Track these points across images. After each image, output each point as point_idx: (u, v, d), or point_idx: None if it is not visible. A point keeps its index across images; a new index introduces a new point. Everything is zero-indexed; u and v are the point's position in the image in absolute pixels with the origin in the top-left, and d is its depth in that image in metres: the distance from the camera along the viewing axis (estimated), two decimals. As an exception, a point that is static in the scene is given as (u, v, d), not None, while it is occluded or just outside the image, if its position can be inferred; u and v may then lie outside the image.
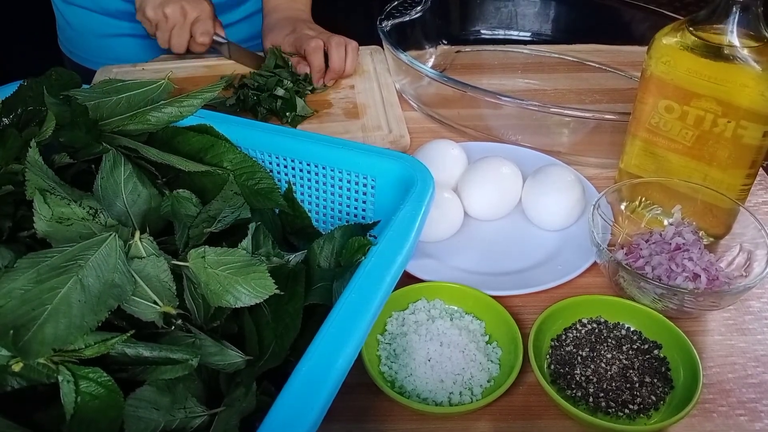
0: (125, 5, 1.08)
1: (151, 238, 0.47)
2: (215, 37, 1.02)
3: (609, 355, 0.59)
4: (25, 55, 1.59)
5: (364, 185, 0.61)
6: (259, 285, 0.46)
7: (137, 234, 0.46)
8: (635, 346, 0.60)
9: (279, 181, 0.63)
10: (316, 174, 0.62)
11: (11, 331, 0.39)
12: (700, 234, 0.68)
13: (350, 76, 1.01)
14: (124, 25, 1.11)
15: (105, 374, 0.42)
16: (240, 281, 0.46)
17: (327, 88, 0.99)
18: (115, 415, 0.41)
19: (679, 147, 0.68)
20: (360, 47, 1.07)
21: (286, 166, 0.63)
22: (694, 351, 0.57)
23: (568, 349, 0.59)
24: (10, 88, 0.59)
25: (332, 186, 0.62)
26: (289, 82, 0.94)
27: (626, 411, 0.55)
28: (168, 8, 0.97)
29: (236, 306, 0.46)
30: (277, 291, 0.47)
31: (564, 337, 0.61)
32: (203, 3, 0.99)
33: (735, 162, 0.66)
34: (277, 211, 0.62)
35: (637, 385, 0.56)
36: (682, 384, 0.56)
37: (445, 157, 0.77)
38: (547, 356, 0.60)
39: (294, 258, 0.54)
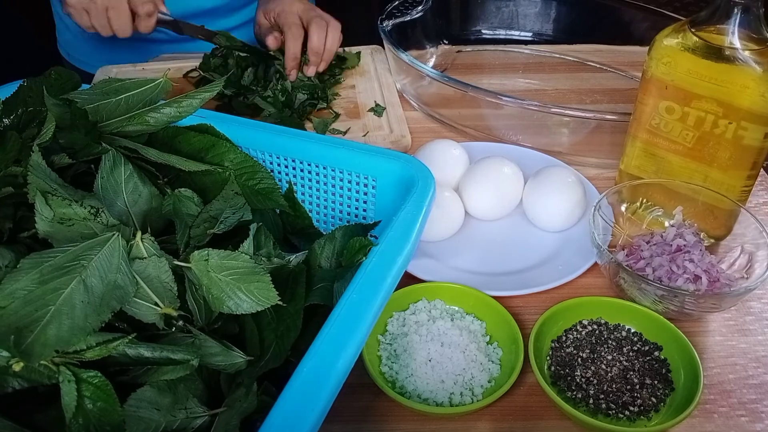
0: None
1: (153, 238, 0.47)
2: (160, 15, 0.93)
3: (609, 357, 0.59)
4: (26, 57, 1.59)
5: (365, 185, 0.61)
6: (262, 294, 0.46)
7: (138, 234, 0.46)
8: (636, 348, 0.60)
9: (280, 181, 0.63)
10: (317, 174, 0.62)
11: (13, 334, 0.39)
12: (701, 235, 0.68)
13: (331, 57, 0.95)
14: None
15: (104, 378, 0.42)
16: (242, 288, 0.46)
17: (304, 82, 0.92)
18: (115, 420, 0.41)
19: (680, 148, 0.68)
20: (361, 47, 1.07)
21: (287, 166, 0.63)
22: (695, 352, 0.57)
23: (568, 350, 0.59)
24: (10, 88, 0.58)
25: (333, 186, 0.62)
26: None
27: (626, 413, 0.55)
28: None
29: (237, 313, 0.46)
30: (280, 302, 0.47)
31: (564, 338, 0.61)
32: None
33: (736, 163, 0.66)
34: (278, 211, 0.62)
35: (637, 386, 0.56)
36: (683, 385, 0.56)
37: (446, 157, 0.77)
38: (548, 357, 0.60)
39: (295, 258, 0.54)
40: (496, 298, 0.62)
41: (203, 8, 1.09)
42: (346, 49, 1.06)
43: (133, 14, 0.91)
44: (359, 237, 0.54)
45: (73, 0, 0.89)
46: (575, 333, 0.61)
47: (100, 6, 0.88)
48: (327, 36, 0.93)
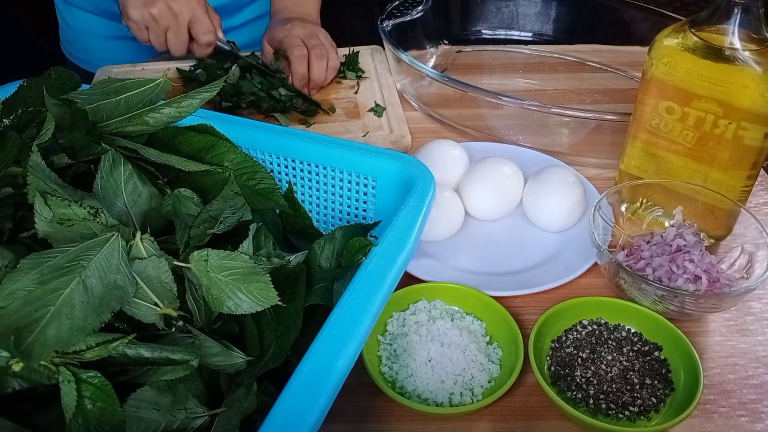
0: None
1: (152, 239, 0.47)
2: (218, 43, 0.96)
3: (609, 357, 0.59)
4: (26, 57, 1.59)
5: (365, 185, 0.61)
6: (262, 294, 0.46)
7: (138, 234, 0.46)
8: (636, 348, 0.60)
9: (280, 181, 0.63)
10: (317, 174, 0.62)
11: (13, 335, 0.39)
12: (701, 235, 0.68)
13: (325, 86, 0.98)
14: (122, 27, 1.11)
15: (104, 378, 0.42)
16: (242, 288, 0.46)
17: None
18: (115, 420, 0.41)
19: (680, 148, 0.68)
20: (360, 47, 1.07)
21: (286, 167, 0.63)
22: (695, 353, 0.57)
23: (568, 350, 0.59)
24: (10, 88, 0.58)
25: (333, 186, 0.62)
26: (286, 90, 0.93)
27: (626, 413, 0.55)
28: (154, 8, 0.90)
29: (237, 313, 0.46)
30: (279, 303, 0.47)
31: (564, 338, 0.61)
32: (191, 0, 0.92)
33: (736, 163, 0.66)
34: (277, 211, 0.62)
35: (637, 386, 0.56)
36: (683, 386, 0.56)
37: (447, 157, 0.77)
38: (548, 357, 0.60)
39: (295, 258, 0.54)
40: (496, 298, 0.62)
41: None
42: (353, 49, 1.05)
43: (191, 36, 0.95)
44: (359, 237, 0.54)
45: (136, 15, 0.91)
46: (575, 333, 0.61)
47: (162, 26, 0.91)
48: (327, 68, 0.96)
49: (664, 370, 0.58)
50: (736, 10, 0.61)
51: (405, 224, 0.51)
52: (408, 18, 0.99)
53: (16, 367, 0.41)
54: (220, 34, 0.98)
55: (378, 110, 0.92)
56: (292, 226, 0.63)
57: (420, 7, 1.02)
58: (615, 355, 0.59)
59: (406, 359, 0.58)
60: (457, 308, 0.64)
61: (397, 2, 1.01)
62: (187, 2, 0.92)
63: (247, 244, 0.50)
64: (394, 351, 0.60)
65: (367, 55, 1.06)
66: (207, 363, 0.47)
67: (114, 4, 1.08)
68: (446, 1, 1.09)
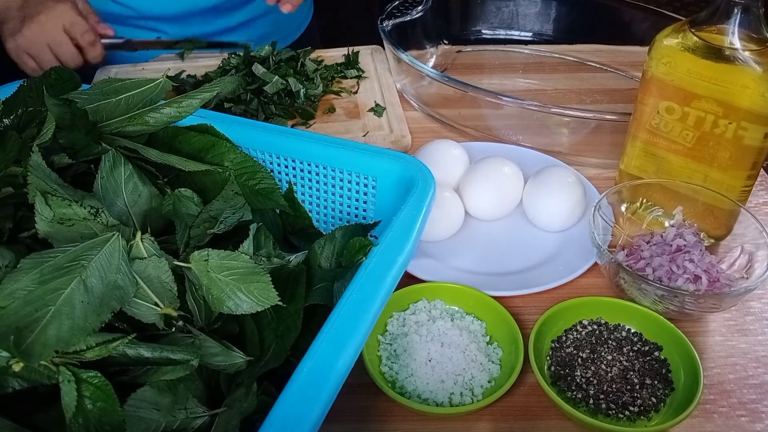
0: (119, 8, 1.08)
1: (152, 239, 0.47)
2: (106, 41, 0.90)
3: (609, 357, 0.59)
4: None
5: (365, 185, 0.61)
6: (262, 295, 0.46)
7: (138, 234, 0.46)
8: (636, 348, 0.60)
9: (280, 181, 0.63)
10: (317, 174, 0.62)
11: (13, 334, 0.39)
12: (701, 235, 0.68)
13: None
14: (122, 27, 1.11)
15: (104, 378, 0.42)
16: (242, 288, 0.46)
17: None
18: (115, 420, 0.41)
19: (680, 148, 0.68)
20: (360, 47, 1.07)
21: (286, 166, 0.63)
22: (695, 353, 0.57)
23: (568, 350, 0.59)
24: (10, 88, 0.58)
25: (333, 186, 0.62)
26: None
27: (626, 413, 0.55)
28: (25, 31, 0.83)
29: (237, 313, 0.46)
30: (279, 303, 0.47)
31: (564, 338, 0.61)
32: (59, 7, 0.84)
33: (736, 163, 0.66)
34: (278, 211, 0.62)
35: (637, 386, 0.56)
36: (683, 386, 0.56)
37: (447, 157, 0.77)
38: (548, 357, 0.60)
39: (295, 258, 0.54)
40: (496, 298, 0.62)
41: (202, 7, 1.09)
42: (353, 49, 1.05)
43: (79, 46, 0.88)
44: (359, 237, 0.54)
45: (11, 45, 0.85)
46: (575, 333, 0.61)
47: (39, 45, 0.85)
48: None
49: (664, 370, 0.58)
50: (736, 10, 0.61)
51: (405, 224, 0.51)
52: (408, 18, 0.99)
53: (16, 367, 0.41)
54: (105, 30, 0.91)
55: (378, 110, 0.92)
56: (292, 226, 0.63)
57: (420, 7, 1.01)
58: (615, 355, 0.59)
59: (406, 359, 0.58)
60: (457, 308, 0.64)
61: (397, 2, 1.01)
62: (54, 9, 0.84)
63: (247, 244, 0.50)
64: (394, 351, 0.60)
65: (367, 55, 1.06)
66: (207, 363, 0.47)
67: (113, 5, 1.08)
68: (446, 1, 1.09)
